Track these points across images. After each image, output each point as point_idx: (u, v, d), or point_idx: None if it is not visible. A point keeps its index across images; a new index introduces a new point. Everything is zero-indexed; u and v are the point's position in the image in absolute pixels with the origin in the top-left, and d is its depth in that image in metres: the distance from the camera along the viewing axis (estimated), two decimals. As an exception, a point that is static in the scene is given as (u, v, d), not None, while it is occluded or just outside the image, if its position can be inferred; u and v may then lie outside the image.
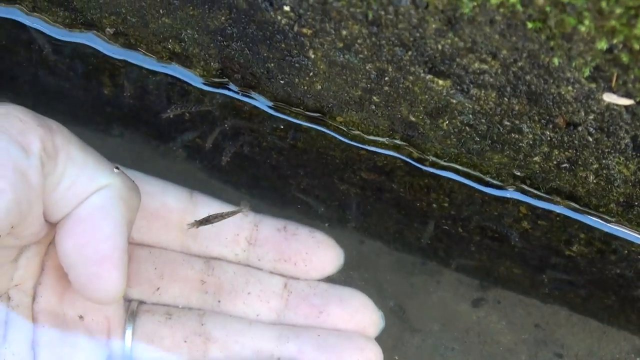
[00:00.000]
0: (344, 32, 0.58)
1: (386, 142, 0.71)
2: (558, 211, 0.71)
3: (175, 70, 0.73)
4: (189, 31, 0.66)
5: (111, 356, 0.68)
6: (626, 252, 0.71)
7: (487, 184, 0.72)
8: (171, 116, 0.74)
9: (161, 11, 0.64)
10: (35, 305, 0.66)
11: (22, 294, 0.65)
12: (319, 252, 0.71)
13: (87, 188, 0.63)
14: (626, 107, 0.54)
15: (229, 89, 0.73)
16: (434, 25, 0.54)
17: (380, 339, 0.71)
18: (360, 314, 0.70)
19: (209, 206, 0.71)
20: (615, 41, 0.49)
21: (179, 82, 0.73)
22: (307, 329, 0.70)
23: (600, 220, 0.71)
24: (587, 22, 0.48)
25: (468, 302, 0.76)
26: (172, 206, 0.71)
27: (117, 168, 0.65)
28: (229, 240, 0.71)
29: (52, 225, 0.65)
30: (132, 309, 0.69)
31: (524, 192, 0.71)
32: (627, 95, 0.53)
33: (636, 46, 0.48)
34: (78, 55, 0.75)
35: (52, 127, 0.63)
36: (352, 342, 0.69)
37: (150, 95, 0.75)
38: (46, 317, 0.66)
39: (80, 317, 0.67)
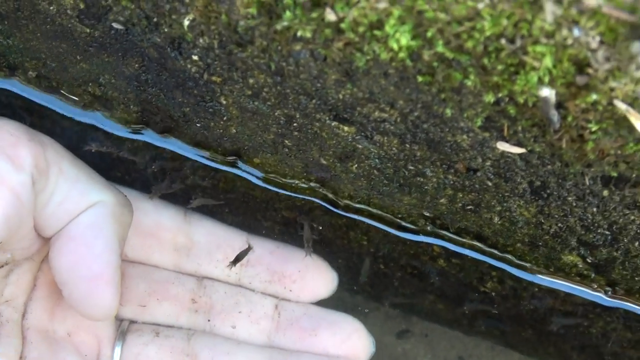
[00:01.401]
0: (251, 81, 0.59)
1: (302, 185, 0.71)
2: (466, 253, 0.72)
3: (97, 119, 0.73)
4: (106, 76, 0.66)
5: None
6: (536, 289, 0.72)
7: (400, 227, 0.72)
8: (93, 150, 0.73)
9: (78, 57, 0.65)
10: (25, 321, 0.66)
11: (11, 310, 0.65)
12: (311, 275, 0.71)
13: (79, 204, 0.63)
14: (519, 155, 0.56)
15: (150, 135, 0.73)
16: (333, 77, 0.55)
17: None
18: (351, 340, 0.70)
19: (203, 226, 0.71)
20: (500, 95, 0.50)
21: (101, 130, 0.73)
22: (297, 353, 0.69)
23: (503, 263, 0.72)
24: (472, 77, 0.50)
25: (393, 334, 0.77)
26: (166, 225, 0.70)
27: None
28: (221, 260, 0.71)
29: (45, 241, 0.65)
30: (123, 329, 0.68)
31: (435, 234, 0.72)
32: (519, 144, 0.55)
33: (520, 100, 0.50)
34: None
35: (44, 141, 0.63)
36: None
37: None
38: (35, 333, 0.66)
39: (69, 334, 0.66)
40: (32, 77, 0.71)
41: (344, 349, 0.69)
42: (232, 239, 0.71)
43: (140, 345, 0.68)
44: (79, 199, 0.63)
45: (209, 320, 0.70)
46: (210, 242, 0.71)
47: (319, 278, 0.71)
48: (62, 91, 0.72)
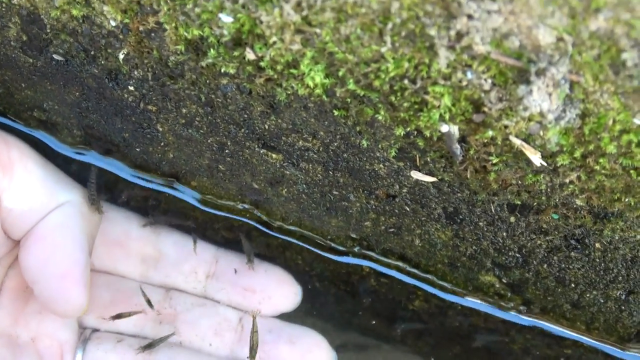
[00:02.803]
0: (184, 110, 0.62)
1: (238, 207, 0.74)
2: (392, 274, 0.74)
3: (44, 136, 0.74)
4: (50, 102, 0.69)
5: None
6: (459, 307, 0.74)
7: (330, 249, 0.75)
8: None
9: (23, 85, 0.67)
10: None
11: None
12: (276, 289, 0.71)
13: (47, 204, 0.63)
14: (432, 183, 0.59)
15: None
16: (259, 108, 0.58)
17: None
18: (311, 353, 0.69)
19: (171, 237, 0.71)
20: (409, 129, 0.54)
21: (47, 148, 0.75)
22: None
23: (425, 284, 0.74)
24: (382, 112, 0.53)
25: (332, 347, 0.74)
26: (134, 235, 0.70)
27: None
28: (188, 272, 0.71)
29: (13, 244, 0.65)
30: (85, 336, 0.68)
31: (363, 255, 0.74)
32: (430, 173, 0.58)
33: (427, 134, 0.53)
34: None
35: (7, 139, 0.63)
36: None
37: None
38: None
39: (33, 340, 0.66)
40: (-21, 102, 0.73)
41: None
42: (200, 251, 0.71)
43: (100, 352, 0.67)
44: (47, 199, 0.63)
45: (173, 332, 0.69)
46: (178, 253, 0.71)
47: (283, 292, 0.71)
48: (8, 115, 0.74)
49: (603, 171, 0.51)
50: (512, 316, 0.73)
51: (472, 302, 0.74)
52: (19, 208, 0.63)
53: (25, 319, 0.66)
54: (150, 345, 0.67)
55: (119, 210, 0.71)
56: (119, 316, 0.68)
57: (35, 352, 0.66)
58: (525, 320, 0.73)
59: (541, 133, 0.49)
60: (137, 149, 0.70)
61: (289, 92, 0.55)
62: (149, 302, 0.68)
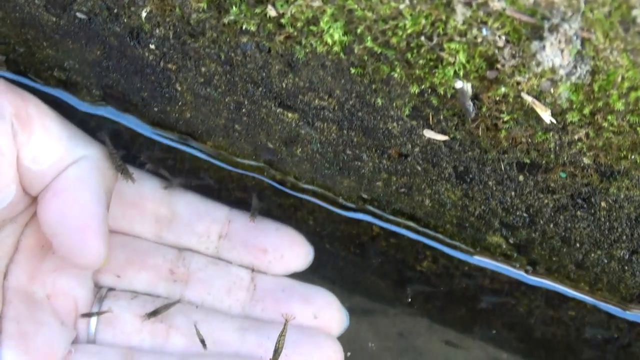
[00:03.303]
0: (203, 69, 0.64)
1: (252, 165, 0.76)
2: (402, 233, 0.76)
3: (63, 95, 0.76)
4: (70, 61, 0.70)
5: (77, 339, 0.68)
6: (466, 268, 0.76)
7: (341, 206, 0.76)
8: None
9: (45, 43, 0.69)
10: (6, 282, 0.66)
11: None
12: (287, 248, 0.72)
13: (64, 159, 0.64)
14: (443, 142, 0.61)
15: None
16: (277, 67, 0.60)
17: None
18: (323, 312, 0.70)
19: (185, 198, 0.72)
20: (423, 87, 0.56)
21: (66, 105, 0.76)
22: (270, 323, 0.69)
23: (435, 243, 0.76)
24: (398, 69, 0.55)
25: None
26: (149, 195, 0.71)
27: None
28: (202, 232, 0.72)
29: (31, 200, 0.66)
30: (101, 295, 0.69)
31: (373, 214, 0.76)
32: (443, 132, 0.60)
33: (441, 91, 0.55)
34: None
35: (24, 96, 0.64)
36: (312, 338, 0.68)
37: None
38: (15, 294, 0.66)
39: (48, 297, 0.67)
40: (1, 61, 0.75)
41: (316, 321, 0.70)
42: (213, 212, 0.72)
43: (116, 310, 0.69)
44: (65, 154, 0.64)
45: (186, 290, 0.70)
46: (191, 214, 0.72)
47: (294, 251, 0.72)
48: (28, 75, 0.75)
49: (611, 128, 0.53)
50: (518, 275, 0.75)
51: (479, 260, 0.76)
52: (37, 163, 0.64)
53: (41, 277, 0.68)
54: (155, 312, 0.69)
55: (135, 171, 0.72)
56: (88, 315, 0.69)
57: (51, 309, 0.67)
58: (530, 280, 0.75)
59: (552, 90, 0.51)
60: (155, 109, 0.72)
61: (308, 50, 0.57)
62: (202, 342, 0.68)
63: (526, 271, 0.74)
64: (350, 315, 0.76)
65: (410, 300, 0.78)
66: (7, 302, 0.66)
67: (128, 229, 0.72)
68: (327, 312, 0.71)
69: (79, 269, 0.67)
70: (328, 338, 0.69)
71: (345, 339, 0.76)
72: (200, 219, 0.72)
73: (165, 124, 0.75)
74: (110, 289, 0.70)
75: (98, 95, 0.74)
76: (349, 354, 0.75)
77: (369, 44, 0.54)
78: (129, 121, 0.76)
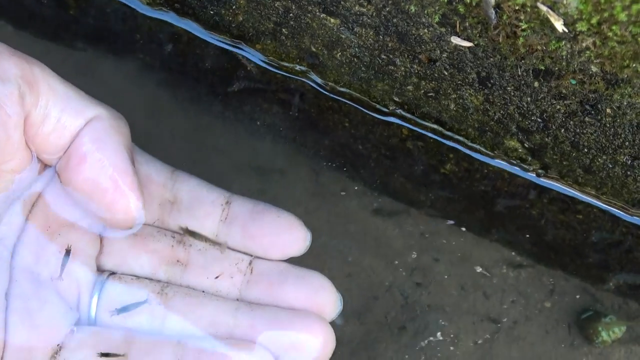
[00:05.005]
0: None
1: (296, 68, 0.82)
2: (429, 135, 0.82)
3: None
4: (137, -35, 0.78)
5: (80, 321, 0.68)
6: (485, 171, 0.82)
7: (374, 109, 0.83)
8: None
9: (115, -53, 0.77)
10: (13, 261, 0.66)
11: (2, 248, 0.66)
12: (285, 233, 0.71)
13: (77, 120, 0.64)
14: (468, 48, 0.68)
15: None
16: None
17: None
18: (316, 295, 0.69)
19: (187, 183, 0.72)
20: None
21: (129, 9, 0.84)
22: (264, 306, 0.69)
23: (459, 145, 0.82)
24: None
25: (368, 211, 0.82)
26: (154, 178, 0.71)
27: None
28: (202, 216, 0.71)
29: (42, 169, 0.67)
30: (102, 278, 0.69)
31: (403, 117, 0.82)
32: (468, 39, 0.66)
33: (467, 0, 0.63)
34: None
35: (28, 59, 0.63)
36: (303, 321, 0.67)
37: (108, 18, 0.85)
38: (21, 272, 0.66)
39: (52, 279, 0.67)
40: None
41: (309, 303, 0.69)
42: (214, 196, 0.72)
43: (116, 292, 0.69)
44: (76, 114, 0.64)
45: (185, 274, 0.70)
46: (192, 198, 0.71)
47: (292, 236, 0.71)
48: None
49: (615, 37, 0.60)
50: (532, 177, 0.81)
51: (498, 162, 0.82)
52: (49, 125, 0.63)
53: (46, 258, 0.68)
54: (124, 309, 0.69)
55: (142, 154, 0.72)
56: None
57: (55, 289, 0.67)
58: (543, 182, 0.81)
59: (564, 0, 0.58)
60: (211, 12, 0.80)
61: None
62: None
63: (538, 175, 0.81)
64: (377, 215, 0.81)
65: (432, 202, 0.83)
66: (13, 280, 0.66)
67: None
68: (320, 295, 0.69)
69: (121, 228, 0.67)
70: (320, 322, 0.68)
71: (373, 236, 0.81)
72: (201, 204, 0.71)
73: (219, 27, 0.82)
74: (112, 273, 0.71)
75: (160, -2, 0.82)
76: (376, 248, 0.81)
77: (405, -46, 0.61)
78: (187, 25, 0.83)
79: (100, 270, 0.70)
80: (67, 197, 0.68)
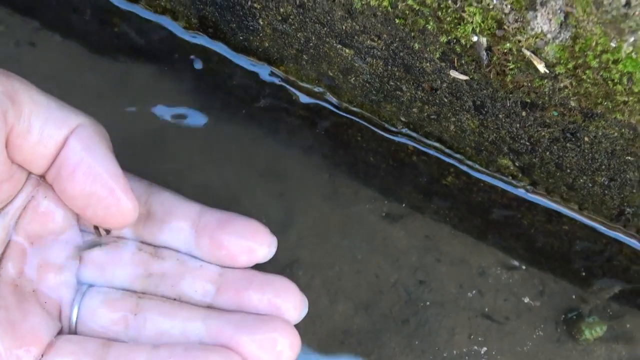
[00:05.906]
0: (282, 9, 0.75)
1: (314, 90, 0.87)
2: (431, 153, 0.87)
3: (166, 21, 0.89)
4: (175, -7, 0.84)
5: (62, 331, 0.69)
6: (481, 184, 0.87)
7: (383, 128, 0.87)
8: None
9: (155, -22, 0.83)
10: None
11: None
12: (250, 239, 0.71)
13: (60, 130, 0.63)
14: (465, 80, 0.71)
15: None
16: (339, 13, 0.72)
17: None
18: (280, 298, 0.69)
19: (161, 196, 0.72)
20: (450, 37, 0.69)
21: (168, 31, 0.90)
22: (230, 312, 0.69)
23: (457, 163, 0.86)
24: (431, 23, 0.68)
25: (377, 214, 0.85)
26: (134, 192, 0.69)
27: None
28: (176, 229, 0.72)
29: (33, 182, 0.67)
30: (82, 291, 0.70)
31: (408, 136, 0.86)
32: (465, 73, 0.70)
33: (463, 42, 0.69)
34: (95, 6, 0.88)
35: (7, 73, 0.62)
36: (268, 325, 0.68)
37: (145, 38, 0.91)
38: (5, 286, 0.66)
39: (34, 291, 0.68)
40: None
41: (273, 307, 0.69)
42: (186, 209, 0.72)
43: (94, 305, 0.69)
44: (59, 124, 0.63)
45: (158, 285, 0.70)
46: (164, 211, 0.71)
47: (257, 243, 0.71)
48: (139, 3, 0.89)
49: (588, 80, 0.65)
50: (521, 193, 0.86)
51: (492, 179, 0.86)
52: (34, 136, 0.63)
53: (29, 272, 0.68)
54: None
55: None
56: None
57: (37, 301, 0.68)
58: (530, 197, 0.86)
59: (545, 48, 0.66)
60: (240, 37, 0.85)
61: (363, 2, 0.70)
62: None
63: (526, 190, 0.86)
64: (386, 218, 0.83)
65: (435, 209, 0.85)
66: None
67: None
68: (284, 297, 0.70)
69: (118, 227, 0.68)
70: (284, 323, 0.68)
71: (381, 237, 0.83)
72: (173, 217, 0.72)
73: (247, 50, 0.86)
74: (91, 285, 0.71)
75: (195, 23, 0.87)
76: (383, 248, 0.81)
77: (410, 2, 0.67)
78: (218, 47, 0.89)
79: (79, 283, 0.70)
80: (48, 211, 0.68)
